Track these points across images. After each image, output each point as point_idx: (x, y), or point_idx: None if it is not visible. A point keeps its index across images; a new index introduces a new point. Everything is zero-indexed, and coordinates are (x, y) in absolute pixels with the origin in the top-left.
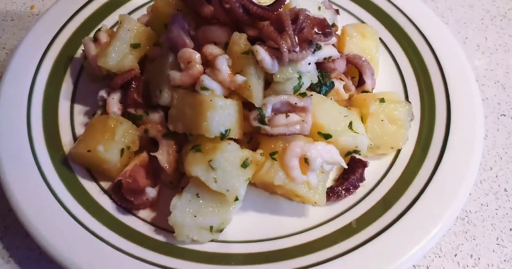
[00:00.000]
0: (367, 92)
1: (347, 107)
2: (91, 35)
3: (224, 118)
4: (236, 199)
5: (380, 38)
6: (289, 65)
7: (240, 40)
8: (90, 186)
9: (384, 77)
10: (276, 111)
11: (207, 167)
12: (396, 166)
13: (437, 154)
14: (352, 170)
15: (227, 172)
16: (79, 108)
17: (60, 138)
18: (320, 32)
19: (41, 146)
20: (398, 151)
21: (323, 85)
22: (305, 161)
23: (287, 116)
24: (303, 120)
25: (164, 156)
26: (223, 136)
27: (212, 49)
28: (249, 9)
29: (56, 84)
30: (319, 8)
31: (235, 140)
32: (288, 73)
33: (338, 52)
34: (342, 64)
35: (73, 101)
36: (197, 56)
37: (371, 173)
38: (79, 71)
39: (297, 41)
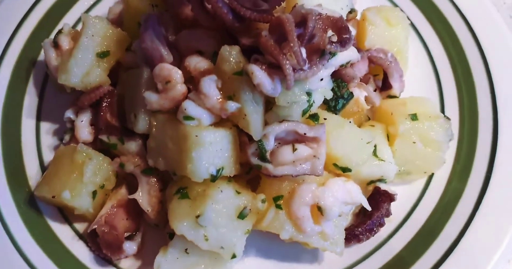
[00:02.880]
0: (393, 97)
1: (369, 119)
2: (53, 34)
3: (215, 156)
4: (234, 256)
5: (411, 23)
6: (295, 85)
7: (230, 56)
8: (62, 230)
9: (415, 73)
10: (280, 140)
11: (195, 224)
12: (429, 195)
13: (481, 180)
14: (376, 206)
15: (220, 227)
16: (46, 127)
17: (24, 167)
18: (334, 39)
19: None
20: (431, 174)
21: (339, 98)
22: (318, 209)
23: (294, 149)
24: (314, 155)
25: (145, 197)
26: (215, 178)
27: (196, 63)
28: (240, 13)
29: (17, 97)
30: None
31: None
32: (294, 95)
33: (358, 48)
34: (363, 67)
35: (39, 118)
36: (177, 75)
37: (398, 202)
38: (44, 78)
39: (304, 55)
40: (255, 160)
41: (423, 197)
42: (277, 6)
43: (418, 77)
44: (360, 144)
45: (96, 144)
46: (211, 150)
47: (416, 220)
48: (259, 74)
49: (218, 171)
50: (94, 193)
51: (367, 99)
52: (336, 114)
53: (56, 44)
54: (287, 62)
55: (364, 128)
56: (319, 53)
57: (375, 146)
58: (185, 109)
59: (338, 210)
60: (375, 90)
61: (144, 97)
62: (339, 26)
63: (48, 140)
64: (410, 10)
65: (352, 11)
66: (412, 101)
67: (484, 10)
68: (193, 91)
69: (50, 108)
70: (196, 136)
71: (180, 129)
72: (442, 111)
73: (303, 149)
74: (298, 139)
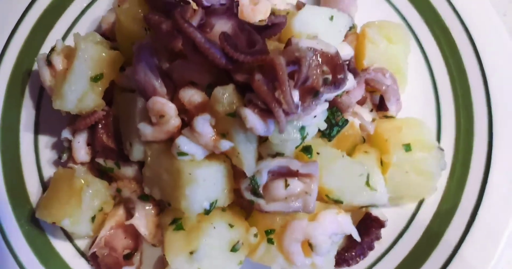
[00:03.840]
0: (390, 117)
1: (364, 141)
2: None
3: (209, 191)
4: None
5: (415, 36)
6: (288, 124)
7: (223, 97)
8: (64, 248)
9: (414, 89)
10: (273, 173)
11: (189, 259)
12: (419, 218)
13: (472, 204)
14: (366, 231)
15: (214, 259)
16: (44, 141)
17: (24, 183)
18: (329, 76)
19: (1, 196)
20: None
21: (334, 126)
22: (308, 244)
23: (286, 184)
24: (306, 192)
25: (142, 221)
26: (208, 212)
27: (191, 96)
28: (233, 57)
29: (14, 110)
30: (332, 18)
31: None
32: (287, 134)
33: (355, 70)
34: (359, 93)
35: (37, 131)
36: (171, 110)
37: (389, 223)
38: (40, 90)
39: (297, 97)
40: (248, 195)
41: (414, 220)
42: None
43: (416, 93)
44: (352, 177)
45: (94, 164)
46: (205, 186)
47: (406, 242)
48: (251, 118)
49: (211, 204)
50: (93, 218)
51: (361, 126)
52: (330, 140)
53: (49, 63)
54: (279, 109)
55: (357, 155)
56: (312, 93)
57: (367, 175)
58: (178, 146)
59: (329, 246)
60: (371, 110)
61: (140, 128)
62: (335, 64)
63: (47, 154)
64: (415, 20)
65: (351, 28)
66: (408, 125)
67: (495, 32)
68: (187, 128)
69: (47, 121)
70: (190, 173)
71: (174, 163)
72: (438, 131)
73: (295, 185)
74: (291, 172)
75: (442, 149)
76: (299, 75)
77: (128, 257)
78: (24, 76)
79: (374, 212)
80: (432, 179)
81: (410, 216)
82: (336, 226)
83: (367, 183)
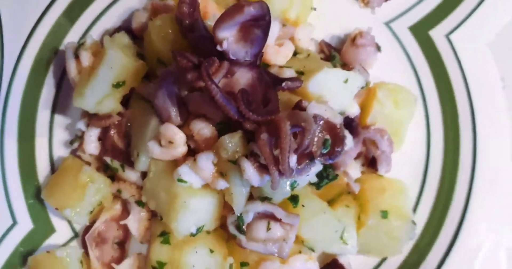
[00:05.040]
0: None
1: (349, 193)
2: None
3: (198, 218)
4: None
5: (423, 98)
6: (282, 181)
7: (228, 145)
8: (61, 227)
9: (409, 149)
10: (259, 214)
11: None
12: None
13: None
14: None
15: None
16: (60, 121)
17: (35, 160)
18: (328, 142)
19: (13, 167)
20: None
21: (324, 178)
22: None
23: (268, 228)
24: (284, 239)
25: (135, 224)
26: (194, 235)
27: (201, 129)
28: (245, 116)
29: (35, 87)
30: (346, 80)
31: None
32: (280, 189)
33: (357, 128)
34: (355, 153)
35: (54, 110)
36: (181, 139)
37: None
38: (63, 71)
39: (294, 162)
40: (232, 229)
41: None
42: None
43: (409, 154)
44: (329, 231)
45: (101, 159)
46: (196, 214)
47: None
48: (249, 170)
49: (198, 229)
50: (92, 211)
51: (348, 185)
52: (317, 189)
53: (77, 56)
54: (275, 171)
55: (338, 208)
56: (309, 158)
57: (342, 232)
58: (180, 174)
59: None
60: (363, 164)
61: (148, 145)
62: (336, 135)
63: (60, 135)
64: (428, 86)
65: (364, 86)
66: (391, 189)
67: (496, 112)
68: (191, 159)
69: (65, 102)
70: (185, 202)
71: (172, 186)
72: (420, 192)
73: (276, 229)
74: (275, 217)
75: (415, 223)
76: (300, 143)
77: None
78: (50, 55)
79: (342, 259)
80: (399, 245)
81: (375, 265)
82: None
83: (341, 237)
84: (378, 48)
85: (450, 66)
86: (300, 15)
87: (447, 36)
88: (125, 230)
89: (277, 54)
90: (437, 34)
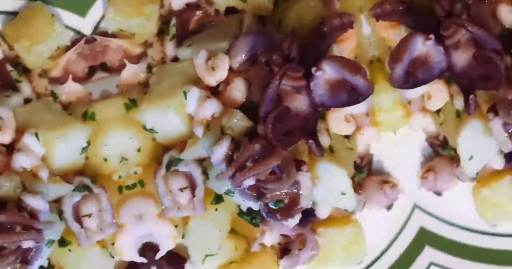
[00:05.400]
0: None
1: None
2: None
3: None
4: None
5: None
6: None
7: (233, 119)
8: None
9: None
10: (189, 175)
11: None
12: None
13: None
14: None
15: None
16: None
17: None
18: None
19: None
20: None
21: (249, 216)
22: None
23: (181, 189)
24: (178, 207)
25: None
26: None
27: (237, 89)
28: (266, 123)
29: None
30: (343, 193)
31: None
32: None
33: (312, 222)
34: (284, 231)
35: None
36: (222, 74)
37: None
38: None
39: (246, 184)
40: (165, 159)
41: None
42: None
43: None
44: (204, 244)
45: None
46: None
47: None
48: (220, 149)
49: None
50: None
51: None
52: (237, 214)
53: None
54: (230, 173)
55: (231, 241)
56: (258, 195)
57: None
58: (189, 91)
59: None
60: (279, 244)
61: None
62: (291, 209)
63: None
64: None
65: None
66: None
67: None
68: (205, 93)
69: None
70: (168, 106)
71: (175, 89)
72: None
73: (184, 197)
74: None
75: None
76: (265, 180)
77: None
78: None
79: None
80: None
81: None
82: None
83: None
84: (389, 208)
85: None
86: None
87: None
88: (121, 65)
89: (337, 122)
90: None
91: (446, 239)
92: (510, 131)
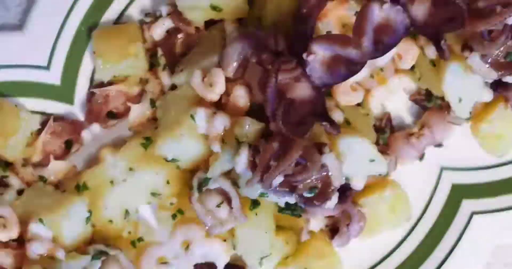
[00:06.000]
0: None
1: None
2: None
3: (182, 149)
4: None
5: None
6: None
7: (245, 127)
8: None
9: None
10: (221, 191)
11: None
12: None
13: None
14: None
15: None
16: None
17: None
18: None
19: None
20: None
21: (289, 209)
22: None
23: (218, 205)
24: (221, 223)
25: (138, 110)
26: (168, 161)
27: (239, 96)
28: (276, 119)
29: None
30: (372, 160)
31: None
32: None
33: (351, 202)
34: (327, 213)
35: None
36: (220, 89)
37: None
38: None
39: (276, 183)
40: (194, 182)
41: None
42: None
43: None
44: (257, 247)
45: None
46: (182, 147)
47: None
48: (242, 158)
49: (174, 159)
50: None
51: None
52: (278, 212)
53: None
54: (258, 178)
55: (280, 237)
56: (291, 188)
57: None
58: (196, 113)
59: None
60: (326, 225)
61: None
62: (325, 191)
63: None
64: None
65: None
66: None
67: None
68: (211, 110)
69: None
70: (182, 134)
71: (183, 115)
72: None
73: (223, 212)
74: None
75: None
76: (294, 173)
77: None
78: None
79: None
80: None
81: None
82: None
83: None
84: (421, 158)
85: None
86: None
87: None
88: (126, 108)
89: (344, 95)
90: None
91: (477, 185)
92: (489, 61)
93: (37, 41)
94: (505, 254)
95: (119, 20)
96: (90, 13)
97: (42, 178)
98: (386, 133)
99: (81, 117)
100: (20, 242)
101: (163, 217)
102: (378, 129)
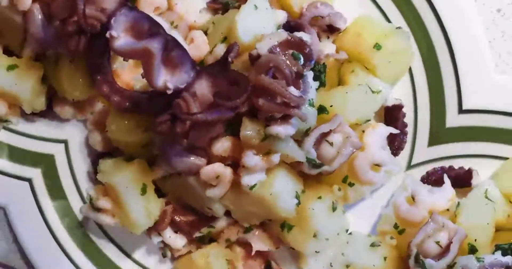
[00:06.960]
0: None
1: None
2: None
3: (290, 192)
4: None
5: None
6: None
7: (250, 134)
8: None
9: None
10: (315, 144)
11: None
12: None
13: None
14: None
15: None
16: None
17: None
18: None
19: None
20: None
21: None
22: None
23: (330, 143)
24: (346, 137)
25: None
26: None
27: (221, 146)
28: (236, 106)
29: None
30: (279, 26)
31: None
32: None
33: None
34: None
35: None
36: (220, 167)
37: None
38: None
39: (296, 92)
40: (313, 171)
41: None
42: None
43: None
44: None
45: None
46: (285, 191)
47: None
48: (280, 130)
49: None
50: None
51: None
52: (324, 86)
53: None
54: (295, 110)
55: None
56: (300, 78)
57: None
58: (247, 185)
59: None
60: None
61: (209, 195)
62: (297, 44)
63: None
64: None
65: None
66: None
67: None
68: (242, 168)
69: None
70: (270, 194)
71: (254, 196)
72: None
73: (335, 138)
74: (326, 134)
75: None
76: (285, 77)
77: None
78: None
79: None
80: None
81: None
82: (379, 137)
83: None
84: None
85: None
86: None
87: None
88: None
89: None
90: None
91: None
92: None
93: None
94: None
95: None
96: None
97: None
98: None
99: None
100: None
101: None
102: None
